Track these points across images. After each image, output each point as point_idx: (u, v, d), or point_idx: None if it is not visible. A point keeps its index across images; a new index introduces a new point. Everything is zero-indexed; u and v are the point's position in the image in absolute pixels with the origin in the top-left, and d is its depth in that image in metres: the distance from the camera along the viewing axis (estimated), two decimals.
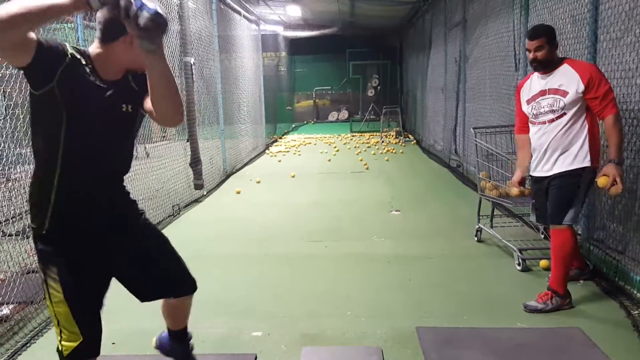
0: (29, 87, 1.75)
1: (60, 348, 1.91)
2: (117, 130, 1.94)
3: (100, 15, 1.80)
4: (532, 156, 3.40)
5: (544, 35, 3.18)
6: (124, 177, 2.08)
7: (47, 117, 1.78)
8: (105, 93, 1.84)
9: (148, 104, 1.88)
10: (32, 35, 1.63)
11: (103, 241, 1.97)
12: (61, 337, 1.89)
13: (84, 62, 1.81)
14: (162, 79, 1.74)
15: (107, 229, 1.97)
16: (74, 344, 1.88)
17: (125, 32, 1.70)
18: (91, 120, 1.83)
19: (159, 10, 1.56)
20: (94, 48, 1.86)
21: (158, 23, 1.57)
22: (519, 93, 3.48)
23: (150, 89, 1.78)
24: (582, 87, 3.06)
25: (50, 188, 1.83)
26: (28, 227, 4.62)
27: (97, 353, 1.95)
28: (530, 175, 3.49)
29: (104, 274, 2.01)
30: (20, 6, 1.48)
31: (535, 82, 3.32)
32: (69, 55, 1.77)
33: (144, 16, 1.53)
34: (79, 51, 1.83)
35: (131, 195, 2.13)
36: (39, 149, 1.85)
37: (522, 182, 3.60)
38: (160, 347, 2.52)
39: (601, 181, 3.00)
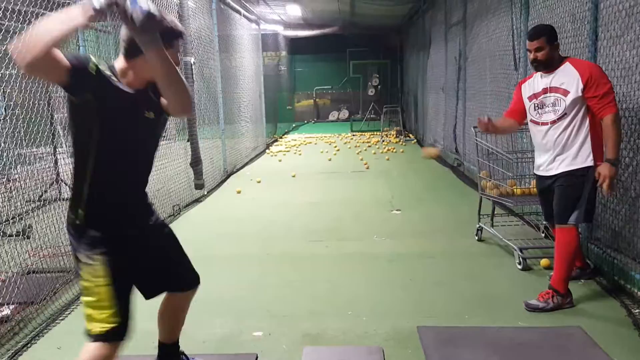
0: (66, 97, 1.94)
1: (90, 329, 2.00)
2: (142, 134, 2.11)
3: (124, 33, 1.96)
4: (512, 130, 3.53)
5: (544, 35, 3.20)
6: (147, 178, 2.25)
7: (83, 123, 1.97)
8: (129, 100, 2.00)
9: (163, 100, 2.06)
10: (59, 54, 1.76)
11: (133, 234, 2.15)
12: (94, 319, 1.99)
13: (109, 74, 1.96)
14: (165, 69, 1.89)
15: (135, 223, 2.18)
16: (109, 326, 1.99)
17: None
18: (118, 123, 2.00)
19: (152, 10, 1.76)
20: (119, 63, 2.02)
21: (149, 18, 1.76)
22: (520, 88, 3.50)
23: (157, 82, 1.95)
24: (581, 86, 3.06)
25: (85, 185, 2.01)
26: (29, 227, 4.63)
27: (129, 335, 2.07)
28: (535, 174, 3.49)
29: (133, 264, 2.15)
30: (43, 30, 1.68)
31: (538, 80, 3.32)
32: (97, 68, 1.92)
33: (138, 13, 1.74)
34: (106, 66, 1.99)
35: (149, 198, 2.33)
36: (75, 151, 2.03)
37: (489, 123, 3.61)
38: None
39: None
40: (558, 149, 3.21)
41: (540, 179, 3.42)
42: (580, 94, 3.08)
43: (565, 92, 3.13)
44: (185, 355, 2.60)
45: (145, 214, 2.26)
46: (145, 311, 2.47)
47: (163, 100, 2.06)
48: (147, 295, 2.29)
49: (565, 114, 3.15)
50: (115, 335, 2.01)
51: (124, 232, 2.10)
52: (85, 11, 1.70)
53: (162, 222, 2.36)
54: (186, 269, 2.40)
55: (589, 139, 3.12)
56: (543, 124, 3.29)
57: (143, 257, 2.19)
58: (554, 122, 3.21)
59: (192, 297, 2.47)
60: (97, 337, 1.99)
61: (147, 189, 2.25)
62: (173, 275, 2.34)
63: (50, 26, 1.68)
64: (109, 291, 1.99)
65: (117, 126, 1.99)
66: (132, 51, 1.95)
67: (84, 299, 2.03)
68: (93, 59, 1.94)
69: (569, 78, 3.12)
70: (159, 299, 2.38)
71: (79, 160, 2.01)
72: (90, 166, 1.98)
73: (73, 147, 2.03)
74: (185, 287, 2.41)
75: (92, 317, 2.00)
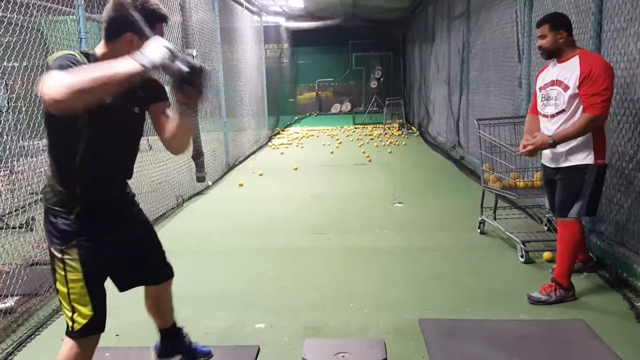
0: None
1: (70, 325, 2.00)
2: (128, 131, 2.11)
3: (104, 14, 1.90)
4: (539, 129, 3.36)
5: (548, 22, 3.20)
6: (130, 174, 2.23)
7: (66, 120, 1.81)
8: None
9: (160, 127, 2.11)
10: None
11: (110, 227, 2.10)
12: (72, 314, 1.99)
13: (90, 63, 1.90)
14: (185, 131, 2.06)
15: (114, 216, 2.13)
16: (85, 320, 1.99)
17: (129, 30, 1.87)
18: (107, 119, 1.93)
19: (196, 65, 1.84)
20: (100, 48, 1.96)
21: (195, 75, 1.85)
22: (536, 80, 3.47)
23: (172, 131, 2.05)
24: (577, 83, 3.04)
25: (73, 179, 1.98)
26: (32, 219, 4.65)
27: (104, 328, 2.08)
28: (542, 163, 3.48)
29: (109, 257, 2.11)
30: (86, 79, 1.61)
31: (551, 70, 3.30)
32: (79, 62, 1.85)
33: (182, 70, 1.79)
34: (85, 55, 1.93)
35: (131, 189, 2.30)
36: (61, 147, 1.98)
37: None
38: (162, 354, 2.56)
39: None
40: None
41: (545, 169, 3.41)
42: (576, 90, 3.05)
43: (566, 88, 3.11)
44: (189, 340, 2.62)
45: (127, 205, 2.24)
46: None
47: (160, 124, 2.11)
48: (121, 288, 2.25)
49: (564, 109, 3.13)
50: (91, 330, 2.02)
51: (105, 221, 2.06)
52: (134, 68, 1.66)
53: (142, 214, 2.33)
54: (161, 262, 2.36)
55: (591, 136, 3.08)
56: (544, 115, 3.29)
57: (121, 248, 2.16)
58: (553, 115, 3.21)
59: (170, 288, 2.44)
60: (74, 332, 2.00)
61: (130, 181, 2.26)
62: (148, 268, 2.30)
63: (89, 74, 1.63)
64: (85, 285, 1.98)
65: (106, 119, 1.91)
66: (113, 33, 1.91)
67: (61, 292, 2.00)
68: (76, 54, 1.88)
69: (571, 73, 3.09)
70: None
71: (64, 154, 1.96)
72: (78, 160, 1.93)
73: (56, 141, 1.97)
74: (159, 280, 2.37)
75: (70, 312, 1.99)
